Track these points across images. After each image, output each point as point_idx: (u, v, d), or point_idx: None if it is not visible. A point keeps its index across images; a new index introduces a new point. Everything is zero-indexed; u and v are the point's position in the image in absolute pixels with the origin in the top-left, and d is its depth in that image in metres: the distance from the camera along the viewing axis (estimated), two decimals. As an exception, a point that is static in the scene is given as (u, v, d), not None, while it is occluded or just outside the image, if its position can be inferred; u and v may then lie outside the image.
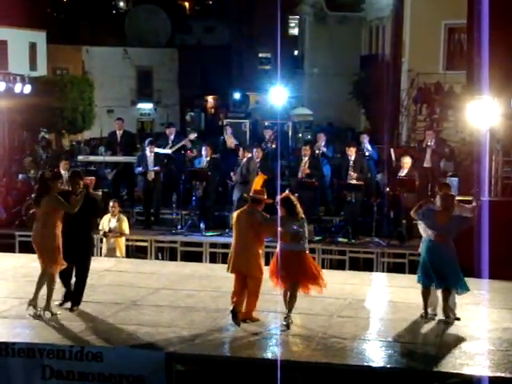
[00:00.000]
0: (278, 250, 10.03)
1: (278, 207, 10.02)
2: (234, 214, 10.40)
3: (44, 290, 10.22)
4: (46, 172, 10.85)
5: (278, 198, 10.14)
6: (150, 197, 16.71)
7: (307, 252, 10.10)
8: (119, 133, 18.35)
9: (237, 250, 10.11)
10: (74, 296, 10.55)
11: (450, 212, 10.18)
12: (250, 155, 15.85)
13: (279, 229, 9.82)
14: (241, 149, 16.30)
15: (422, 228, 10.44)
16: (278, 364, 8.57)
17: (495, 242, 11.34)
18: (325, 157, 17.42)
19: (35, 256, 14.32)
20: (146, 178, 16.58)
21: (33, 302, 10.20)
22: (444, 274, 10.07)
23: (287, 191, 10.76)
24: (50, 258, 10.12)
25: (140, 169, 16.64)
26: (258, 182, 10.55)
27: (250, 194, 10.31)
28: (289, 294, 10.02)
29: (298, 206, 10.00)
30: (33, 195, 10.73)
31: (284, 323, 9.90)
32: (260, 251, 10.07)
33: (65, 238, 10.19)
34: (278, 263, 9.92)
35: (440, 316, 10.31)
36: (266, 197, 10.22)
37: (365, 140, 17.94)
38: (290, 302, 9.99)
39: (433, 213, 10.19)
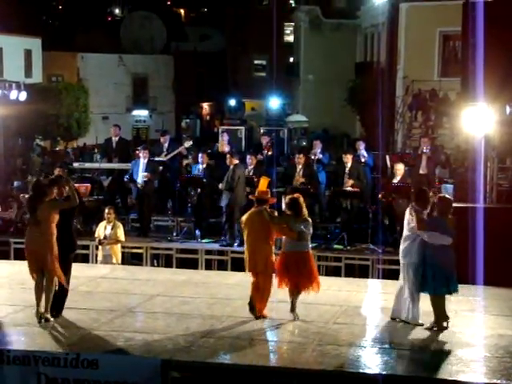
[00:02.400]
0: (283, 249, 10.47)
1: (285, 207, 10.54)
2: (244, 217, 10.72)
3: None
4: (42, 178, 10.72)
5: (287, 198, 10.65)
6: (141, 204, 16.68)
7: (310, 252, 10.57)
8: (115, 139, 18.35)
9: (250, 250, 10.47)
10: (58, 303, 10.38)
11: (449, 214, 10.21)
12: (236, 162, 15.78)
13: (285, 226, 10.31)
14: (228, 155, 16.23)
15: (429, 237, 10.01)
16: (273, 371, 8.57)
17: (490, 248, 11.33)
18: (320, 163, 17.43)
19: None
20: (136, 186, 16.58)
21: (38, 314, 10.11)
22: (454, 278, 10.06)
23: (283, 197, 11.09)
24: (49, 266, 9.98)
25: (126, 176, 16.71)
26: (262, 183, 10.94)
27: (256, 195, 10.74)
28: (294, 292, 10.45)
29: (305, 207, 10.46)
30: (27, 201, 10.57)
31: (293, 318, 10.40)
32: (272, 249, 10.52)
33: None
34: (283, 264, 10.36)
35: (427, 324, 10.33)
36: (269, 196, 10.75)
37: (361, 147, 17.96)
38: (294, 299, 10.48)
39: (440, 219, 10.05)
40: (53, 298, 10.24)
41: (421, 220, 10.03)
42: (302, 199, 10.49)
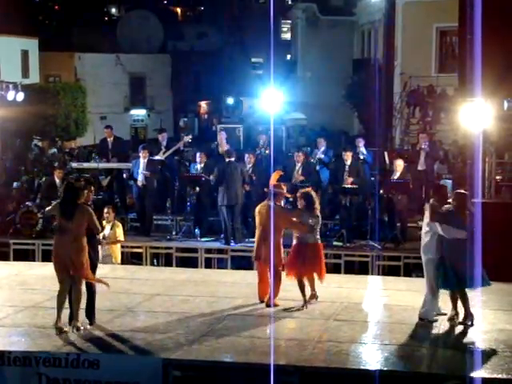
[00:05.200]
0: (297, 241, 10.93)
1: (298, 200, 11.03)
2: (256, 209, 11.23)
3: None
4: (74, 180, 10.52)
5: (299, 192, 11.14)
6: (142, 203, 16.68)
7: (319, 243, 11.02)
8: (110, 140, 18.41)
9: (259, 240, 11.04)
10: (89, 309, 10.30)
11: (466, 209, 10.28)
12: (230, 159, 15.71)
13: (295, 219, 10.85)
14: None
15: (442, 230, 10.05)
16: (274, 369, 8.57)
17: (489, 243, 11.32)
18: (322, 163, 17.46)
19: (31, 264, 14.33)
20: (137, 184, 16.59)
21: (59, 324, 9.89)
22: (465, 273, 10.07)
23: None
24: (82, 272, 9.85)
25: (125, 174, 16.71)
26: (274, 177, 11.37)
27: (270, 189, 11.16)
28: (306, 282, 10.99)
29: (317, 202, 10.97)
30: (60, 205, 10.10)
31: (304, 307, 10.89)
32: (280, 241, 10.96)
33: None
34: (296, 256, 10.88)
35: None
36: (284, 191, 11.25)
37: (360, 144, 17.96)
38: (303, 290, 10.95)
39: (454, 214, 10.10)
40: (82, 304, 10.14)
41: (434, 212, 10.09)
42: (314, 193, 11.03)
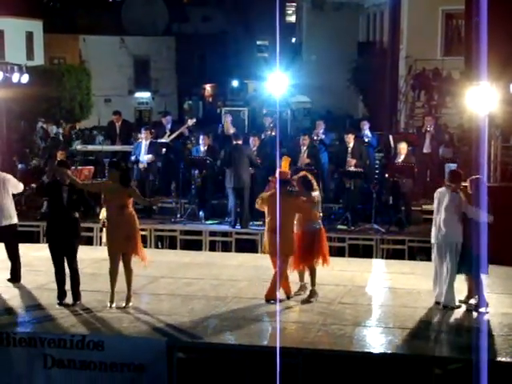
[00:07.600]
0: (302, 229, 10.48)
1: (296, 186, 10.63)
2: (264, 196, 10.64)
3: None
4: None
5: (296, 177, 10.77)
6: (143, 186, 16.64)
7: (317, 229, 10.57)
8: (118, 124, 18.42)
9: (270, 232, 10.35)
10: (74, 290, 10.46)
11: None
12: (237, 142, 15.64)
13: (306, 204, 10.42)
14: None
15: (475, 215, 10.19)
16: (279, 351, 8.60)
17: (493, 227, 11.33)
18: (323, 144, 17.40)
19: (36, 246, 14.40)
20: (139, 167, 16.57)
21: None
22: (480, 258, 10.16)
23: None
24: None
25: (133, 157, 16.62)
26: (284, 164, 10.93)
27: (280, 176, 10.59)
28: (309, 270, 10.64)
29: (315, 184, 10.65)
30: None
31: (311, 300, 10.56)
32: (293, 231, 10.41)
33: (53, 224, 10.38)
34: (302, 244, 10.47)
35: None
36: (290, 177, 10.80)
37: (365, 127, 17.91)
38: (311, 278, 10.67)
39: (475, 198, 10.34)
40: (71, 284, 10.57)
41: (467, 196, 10.20)
42: (310, 176, 10.70)
